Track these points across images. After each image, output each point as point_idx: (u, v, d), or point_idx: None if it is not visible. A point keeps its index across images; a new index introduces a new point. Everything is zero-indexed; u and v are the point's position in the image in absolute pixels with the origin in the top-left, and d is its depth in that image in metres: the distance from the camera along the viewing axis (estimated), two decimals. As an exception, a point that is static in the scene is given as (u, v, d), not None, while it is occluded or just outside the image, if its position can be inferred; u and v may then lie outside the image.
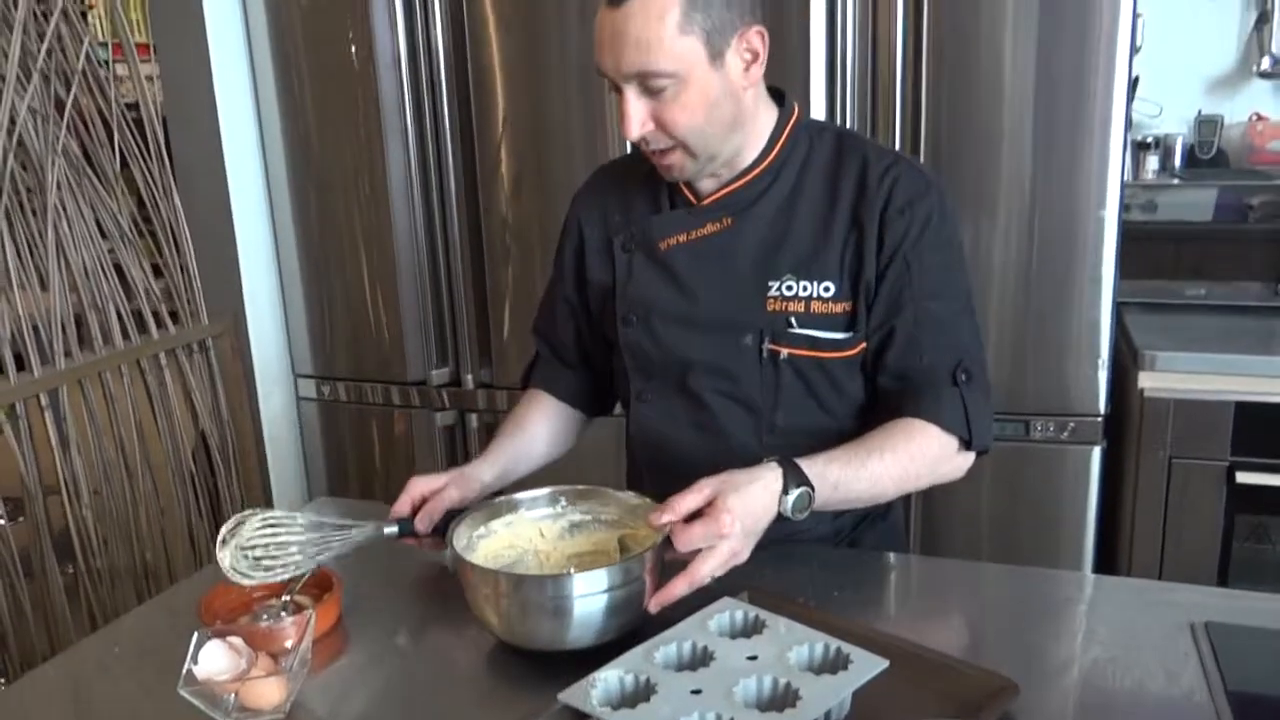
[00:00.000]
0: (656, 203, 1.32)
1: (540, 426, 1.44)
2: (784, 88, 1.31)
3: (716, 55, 1.14)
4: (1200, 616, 1.08)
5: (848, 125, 2.07)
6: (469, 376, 2.51)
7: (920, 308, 1.22)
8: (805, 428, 1.25)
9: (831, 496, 1.13)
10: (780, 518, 1.09)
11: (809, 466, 1.11)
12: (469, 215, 2.43)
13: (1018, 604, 1.17)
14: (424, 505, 1.26)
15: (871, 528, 1.37)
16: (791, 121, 1.27)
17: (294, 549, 1.15)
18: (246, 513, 1.15)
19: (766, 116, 1.26)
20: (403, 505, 1.27)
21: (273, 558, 1.13)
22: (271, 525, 1.15)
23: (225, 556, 1.12)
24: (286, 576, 1.15)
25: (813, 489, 1.10)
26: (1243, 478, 2.01)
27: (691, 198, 1.29)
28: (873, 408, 1.29)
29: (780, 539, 1.20)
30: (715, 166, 1.24)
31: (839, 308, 1.24)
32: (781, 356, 1.24)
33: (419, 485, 1.28)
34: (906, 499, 2.19)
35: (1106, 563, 2.16)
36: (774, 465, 1.10)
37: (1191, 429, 2.04)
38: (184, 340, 2.45)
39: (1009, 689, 0.94)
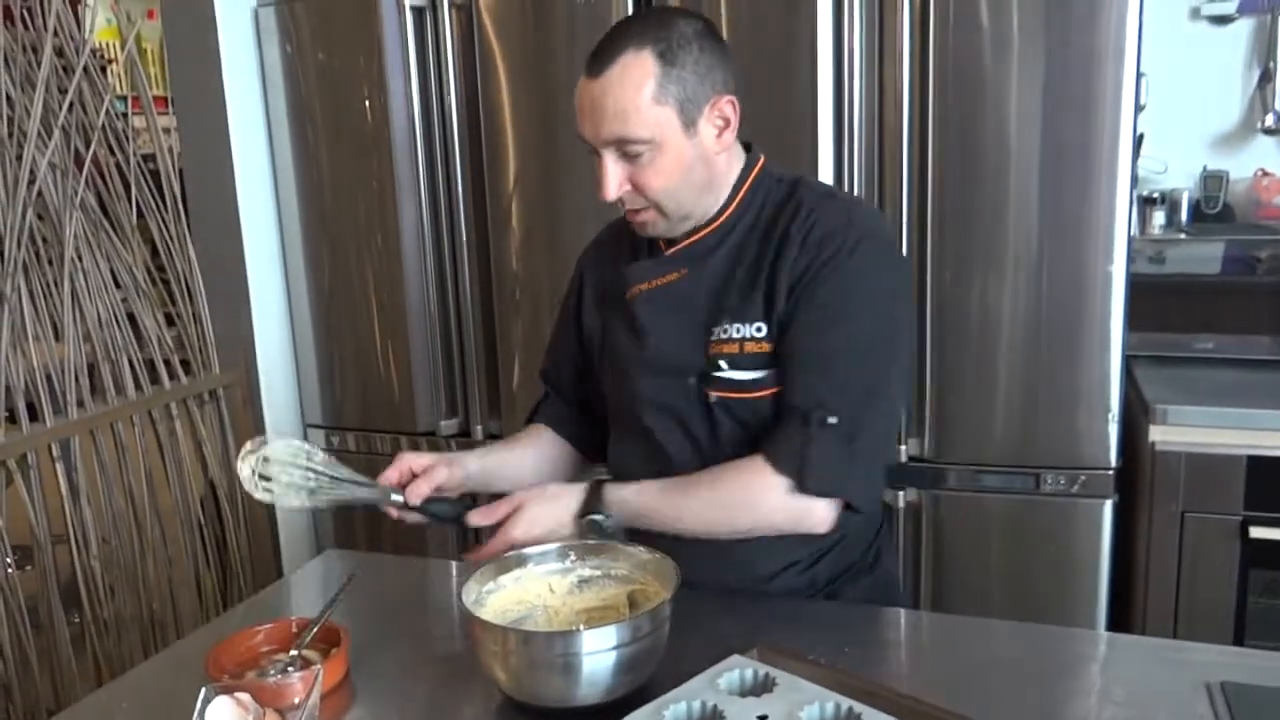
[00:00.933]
0: (635, 254, 1.39)
1: (531, 449, 1.50)
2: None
3: (690, 123, 1.21)
4: (1217, 676, 1.07)
5: (855, 186, 2.10)
6: (478, 427, 2.51)
7: (798, 344, 1.24)
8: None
9: (638, 522, 1.25)
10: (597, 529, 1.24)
11: (616, 491, 1.26)
12: (480, 268, 2.45)
13: (1031, 662, 1.16)
14: (413, 480, 1.32)
15: (854, 582, 1.37)
16: (754, 173, 1.32)
17: (310, 476, 1.23)
18: (271, 435, 1.20)
19: (735, 169, 1.32)
20: (390, 476, 1.33)
21: (289, 476, 1.21)
22: (294, 451, 1.23)
23: (245, 467, 1.19)
24: (296, 504, 1.22)
25: (608, 516, 1.24)
26: (1256, 532, 1.99)
27: (663, 245, 1.36)
28: None
29: (750, 587, 1.32)
30: (688, 225, 1.31)
31: (768, 346, 1.28)
32: (712, 399, 1.29)
33: (408, 460, 1.34)
34: (915, 554, 2.19)
35: (1121, 618, 2.14)
36: (582, 489, 1.27)
37: (1203, 483, 2.03)
38: (195, 390, 2.47)
39: (1023, 751, 0.92)
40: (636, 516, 1.25)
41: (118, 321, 2.31)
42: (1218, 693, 1.04)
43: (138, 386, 2.35)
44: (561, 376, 1.53)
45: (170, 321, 2.48)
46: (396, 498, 1.31)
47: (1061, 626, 1.27)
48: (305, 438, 2.69)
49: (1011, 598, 2.15)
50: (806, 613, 1.28)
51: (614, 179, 1.22)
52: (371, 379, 2.58)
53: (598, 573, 1.22)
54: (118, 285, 2.33)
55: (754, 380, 1.28)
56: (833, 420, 1.21)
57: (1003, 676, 1.14)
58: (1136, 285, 2.05)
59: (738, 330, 1.28)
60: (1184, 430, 2.05)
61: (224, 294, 2.54)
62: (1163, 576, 2.07)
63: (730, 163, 1.30)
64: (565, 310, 1.52)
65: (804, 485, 1.21)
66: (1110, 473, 2.06)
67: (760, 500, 1.24)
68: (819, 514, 1.24)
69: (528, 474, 1.45)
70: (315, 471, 1.24)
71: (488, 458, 1.45)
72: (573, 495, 1.26)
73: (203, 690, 1.01)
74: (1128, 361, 2.09)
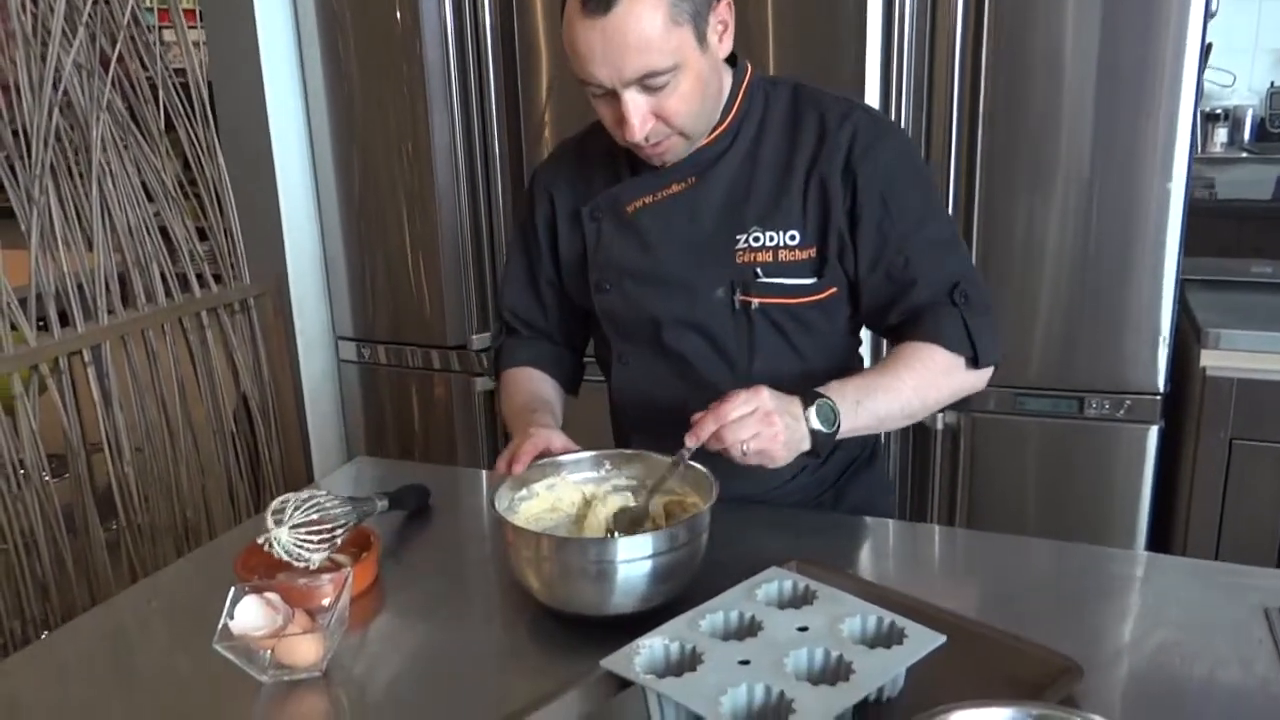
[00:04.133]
0: (616, 172, 1.32)
1: (553, 395, 1.40)
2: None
3: (701, 37, 1.15)
4: (1274, 601, 1.03)
5: (903, 99, 2.01)
6: (510, 342, 2.47)
7: (906, 243, 1.23)
8: (782, 374, 1.24)
9: (858, 415, 1.15)
10: (818, 438, 1.11)
11: (823, 389, 1.14)
12: (512, 179, 2.39)
13: (1077, 582, 1.12)
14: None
15: (855, 477, 1.38)
16: (745, 80, 1.28)
17: (340, 517, 1.12)
18: (280, 500, 1.11)
19: (726, 78, 1.26)
20: (524, 461, 1.18)
21: (325, 530, 1.10)
22: (311, 503, 1.11)
23: (283, 536, 1.07)
24: (341, 542, 1.13)
25: (833, 402, 1.12)
26: (1307, 461, 1.93)
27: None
28: (851, 353, 1.36)
29: (766, 492, 1.30)
30: (700, 142, 1.25)
31: (805, 254, 1.24)
32: (753, 306, 1.25)
33: (542, 441, 1.20)
34: (952, 478, 2.15)
35: (1160, 545, 2.10)
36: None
37: (1254, 409, 1.96)
38: (226, 300, 2.45)
39: (1072, 670, 0.89)
40: (856, 404, 1.15)
41: (148, 230, 2.28)
42: (1276, 616, 1.00)
43: (168, 295, 2.33)
44: (537, 308, 1.44)
45: (202, 236, 2.45)
46: (382, 504, 1.24)
47: (1108, 547, 1.22)
48: (336, 350, 2.67)
49: (1048, 523, 2.11)
50: (843, 527, 1.25)
51: (639, 116, 1.15)
52: (402, 292, 2.55)
53: (633, 482, 1.19)
54: (149, 198, 2.30)
55: (801, 286, 1.25)
56: (970, 296, 1.23)
57: (1047, 596, 1.10)
58: (1192, 207, 1.97)
59: (771, 238, 1.24)
60: (1236, 355, 1.98)
61: (254, 206, 2.50)
62: (1206, 505, 2.02)
63: (725, 68, 1.25)
64: (532, 237, 1.41)
65: (977, 360, 1.23)
66: (1157, 398, 2.00)
67: (954, 381, 1.23)
68: (986, 377, 1.27)
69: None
70: (341, 512, 1.14)
71: (556, 419, 1.32)
72: (791, 398, 1.12)
73: (232, 590, 1.00)
74: (1181, 285, 2.01)
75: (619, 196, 1.30)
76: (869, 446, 1.40)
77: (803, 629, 0.90)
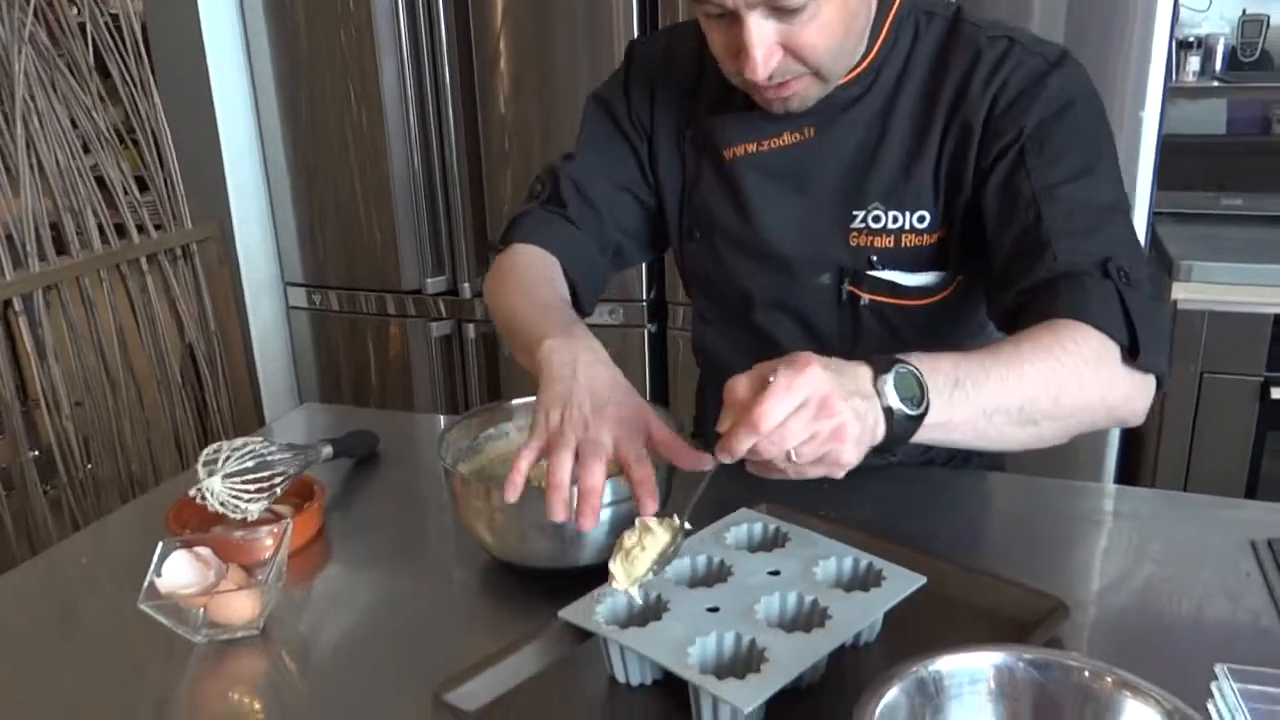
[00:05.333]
0: (725, 95, 1.07)
1: (565, 290, 1.11)
2: None
3: None
4: (1260, 533, 0.99)
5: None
6: (465, 285, 2.40)
7: (1045, 197, 0.95)
8: None
9: (953, 400, 0.79)
10: (896, 423, 0.76)
11: (902, 355, 0.79)
12: (466, 116, 2.29)
13: (1054, 518, 1.07)
14: None
15: (967, 457, 1.18)
16: (895, 7, 1.03)
17: (279, 465, 1.05)
18: (212, 447, 1.02)
19: (873, 2, 1.01)
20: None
21: (263, 479, 1.02)
22: (246, 450, 1.03)
23: (216, 486, 0.98)
24: (282, 492, 1.05)
25: (920, 372, 0.78)
26: (1278, 393, 1.91)
27: None
28: None
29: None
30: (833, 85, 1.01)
31: (933, 238, 1.04)
32: (862, 302, 1.07)
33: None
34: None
35: (1128, 480, 2.07)
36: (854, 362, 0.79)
37: (1225, 342, 1.94)
38: (166, 245, 2.33)
39: (1058, 610, 0.84)
40: (955, 384, 0.80)
41: (80, 174, 2.16)
42: (1264, 549, 0.96)
43: (105, 243, 2.21)
44: (589, 208, 1.15)
45: (143, 187, 2.33)
46: (326, 451, 1.15)
47: (1090, 482, 1.18)
48: (285, 297, 2.58)
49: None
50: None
51: (764, 47, 0.91)
52: (353, 235, 2.45)
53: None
54: (86, 151, 2.17)
55: (919, 287, 1.05)
56: (1135, 276, 0.91)
57: (1024, 533, 1.06)
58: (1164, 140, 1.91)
59: (894, 219, 1.04)
60: (1207, 288, 1.95)
61: (194, 149, 2.38)
62: (1176, 439, 2.00)
63: None
64: (616, 120, 1.15)
65: (1135, 352, 0.87)
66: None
67: (1103, 378, 0.87)
68: (1147, 395, 0.91)
69: None
70: (281, 460, 1.05)
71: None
72: (854, 362, 0.78)
73: (160, 544, 0.93)
74: (1152, 218, 1.97)
75: (715, 133, 1.08)
76: None
77: (774, 573, 0.84)
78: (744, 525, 0.92)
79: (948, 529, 1.06)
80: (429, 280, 2.41)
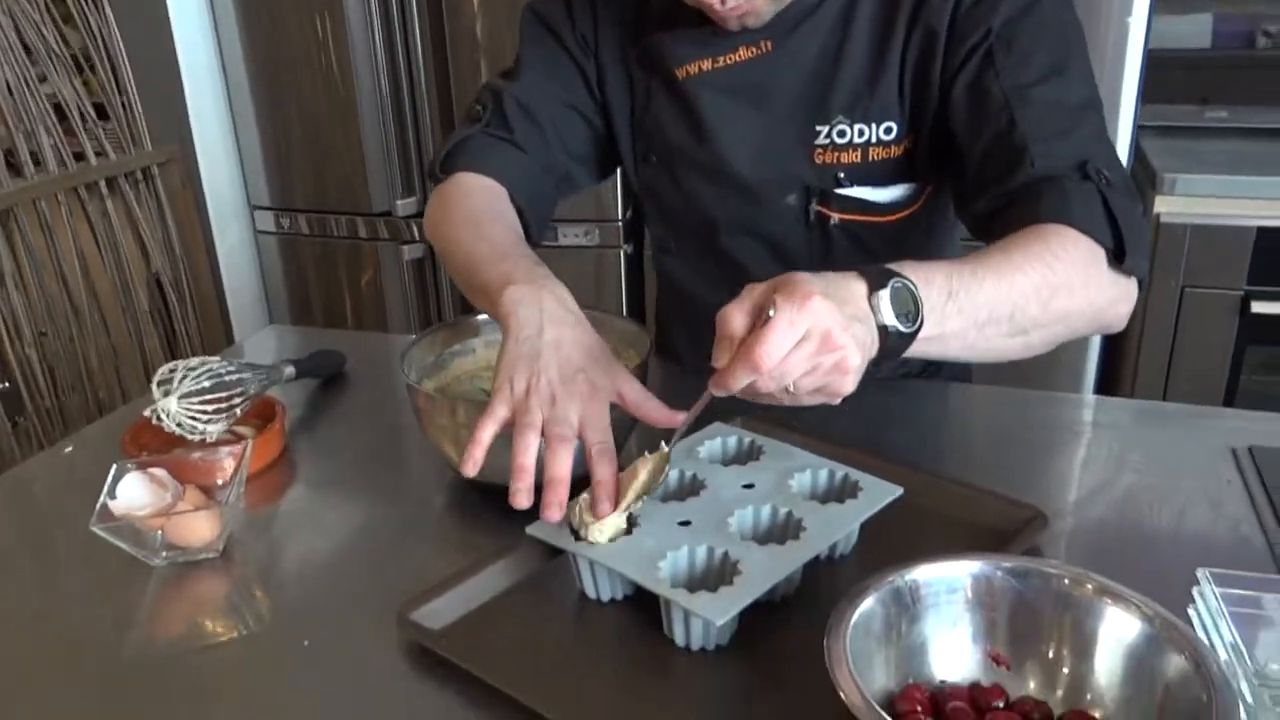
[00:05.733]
0: (675, 10, 1.00)
1: (515, 218, 1.04)
2: None
3: None
4: (1242, 441, 0.97)
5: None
6: (437, 207, 2.33)
7: (1017, 99, 0.91)
8: None
9: (946, 313, 0.75)
10: (889, 341, 0.72)
11: (895, 266, 0.74)
12: (433, 30, 2.21)
13: (1033, 429, 1.05)
14: None
15: (939, 364, 1.16)
16: None
17: (237, 385, 1.01)
18: (167, 367, 0.98)
19: None
20: None
21: (221, 399, 0.99)
22: (203, 370, 0.99)
23: (172, 407, 0.95)
24: (242, 412, 1.01)
25: (914, 285, 0.74)
26: (1258, 307, 1.89)
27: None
28: None
29: None
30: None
31: (900, 149, 1.01)
32: (831, 222, 1.04)
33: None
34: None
35: (1107, 394, 2.06)
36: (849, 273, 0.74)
37: (1208, 256, 1.92)
38: (126, 168, 2.25)
39: (1036, 519, 0.83)
40: (949, 296, 0.75)
41: (31, 93, 2.07)
42: (1245, 456, 0.94)
43: (62, 165, 2.14)
44: (534, 128, 1.08)
45: (101, 115, 2.24)
46: (289, 371, 1.10)
47: (1067, 393, 1.16)
48: (253, 221, 2.51)
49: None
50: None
51: None
52: (321, 156, 2.38)
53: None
54: (38, 76, 2.07)
55: (890, 202, 1.02)
56: (1114, 178, 0.88)
57: (1003, 445, 1.04)
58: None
59: (859, 132, 1.00)
60: (1191, 201, 1.92)
61: (151, 68, 2.28)
62: (1156, 353, 1.99)
63: None
64: (558, 38, 1.09)
65: (1120, 255, 0.85)
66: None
67: (1092, 284, 0.84)
68: (1130, 298, 0.89)
69: None
70: (241, 379, 1.01)
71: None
72: (848, 276, 0.73)
73: (114, 466, 0.89)
74: (1136, 131, 1.93)
75: (665, 51, 1.03)
76: None
77: (748, 486, 0.82)
78: (718, 439, 0.90)
79: (926, 441, 1.05)
80: (399, 202, 2.36)
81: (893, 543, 0.78)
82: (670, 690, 0.70)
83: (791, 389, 0.69)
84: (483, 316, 1.05)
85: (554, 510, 0.75)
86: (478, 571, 0.79)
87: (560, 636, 0.76)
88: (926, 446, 1.03)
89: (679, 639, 0.72)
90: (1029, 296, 0.79)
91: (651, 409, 0.82)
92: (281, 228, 2.48)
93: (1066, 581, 0.66)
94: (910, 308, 0.73)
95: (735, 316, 0.69)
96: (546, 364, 0.78)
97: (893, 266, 0.74)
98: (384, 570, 0.85)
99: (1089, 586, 0.65)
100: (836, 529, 0.77)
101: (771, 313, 0.66)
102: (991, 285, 0.78)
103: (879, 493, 0.81)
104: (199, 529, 0.86)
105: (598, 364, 0.81)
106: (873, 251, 1.04)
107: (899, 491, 0.81)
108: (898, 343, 0.73)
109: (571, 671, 0.71)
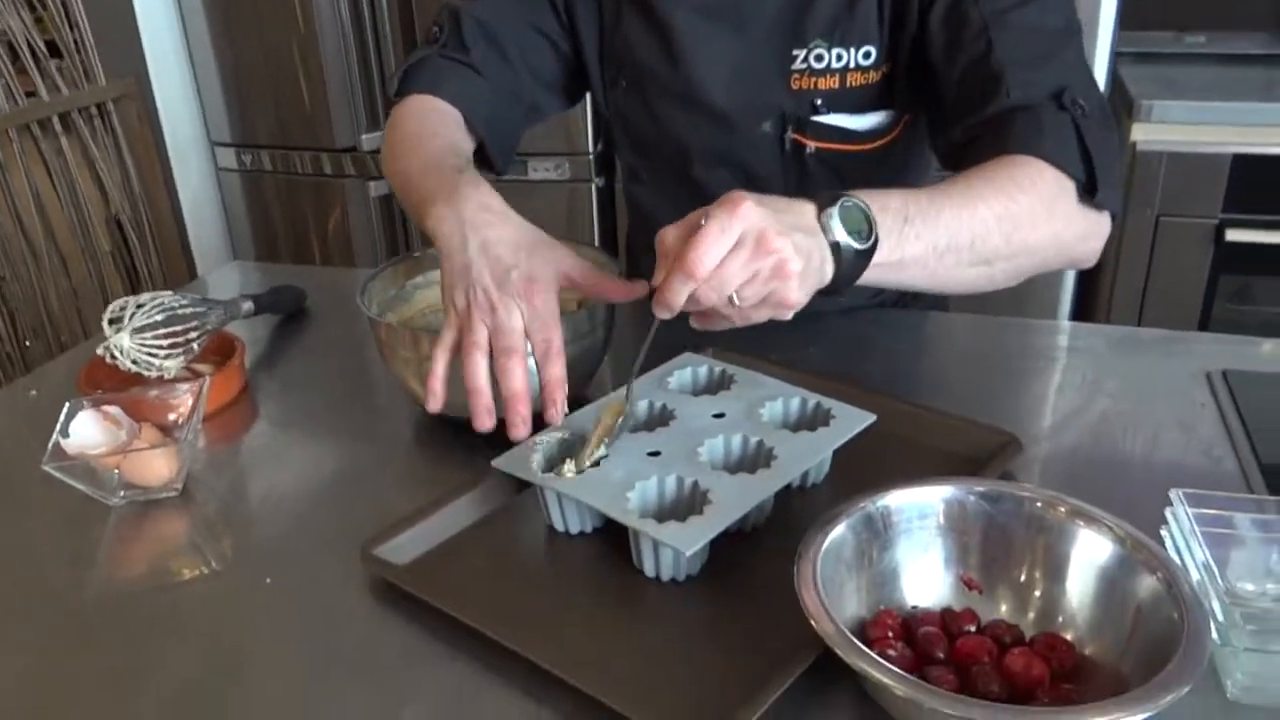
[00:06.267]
0: None
1: (469, 148, 1.01)
2: None
3: None
4: (1216, 364, 0.97)
5: None
6: (404, 142, 2.27)
7: (994, 24, 0.89)
8: None
9: (903, 238, 0.75)
10: (843, 260, 0.71)
11: (855, 193, 0.74)
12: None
13: (1007, 356, 1.04)
14: None
15: (920, 295, 1.14)
16: None
17: (193, 319, 0.98)
18: (118, 303, 0.95)
19: None
20: None
21: (177, 335, 0.95)
22: (155, 304, 0.96)
23: (124, 343, 0.92)
24: (200, 348, 0.99)
25: (866, 205, 0.73)
26: (1233, 235, 1.88)
27: None
28: None
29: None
30: None
31: (879, 75, 0.98)
32: (808, 150, 1.01)
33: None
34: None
35: (1082, 319, 2.07)
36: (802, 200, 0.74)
37: (1183, 184, 1.90)
38: (79, 103, 2.18)
39: (1010, 444, 0.82)
40: (905, 221, 0.75)
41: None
42: (1219, 380, 0.94)
43: (13, 100, 2.07)
44: (501, 36, 1.04)
45: (54, 52, 2.16)
46: (247, 306, 1.08)
47: (1037, 320, 1.14)
48: (214, 158, 2.45)
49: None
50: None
51: None
52: (282, 91, 2.31)
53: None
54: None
55: (867, 130, 1.00)
56: (1090, 107, 0.86)
57: (977, 371, 1.03)
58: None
59: (838, 56, 0.97)
60: (1168, 128, 1.90)
61: (103, 2, 2.20)
62: (1130, 281, 1.98)
63: None
64: None
65: (1092, 187, 0.84)
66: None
67: (1058, 216, 0.83)
68: (1101, 233, 0.88)
69: None
70: (196, 314, 0.98)
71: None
72: (799, 200, 0.72)
73: (67, 404, 0.87)
74: (1114, 58, 1.90)
75: None
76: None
77: (719, 416, 0.81)
78: (688, 369, 0.88)
79: (899, 369, 1.04)
80: (364, 137, 2.30)
81: (865, 471, 0.77)
82: (640, 621, 0.69)
83: (736, 301, 0.67)
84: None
85: (519, 428, 0.74)
86: (443, 506, 0.77)
87: (528, 570, 0.75)
88: (901, 375, 1.02)
89: (648, 570, 0.71)
90: (990, 227, 0.78)
91: (606, 285, 0.80)
92: (244, 165, 2.42)
93: (1039, 504, 0.66)
94: (863, 226, 0.72)
95: (669, 234, 0.68)
96: (479, 273, 0.75)
97: (845, 191, 0.73)
98: (348, 507, 0.84)
99: (1061, 509, 0.65)
100: (808, 457, 0.76)
101: (704, 222, 0.65)
102: (951, 214, 0.77)
103: (851, 420, 0.80)
104: (156, 467, 0.83)
105: (533, 253, 0.77)
106: (850, 183, 1.00)
107: (872, 419, 0.80)
108: (853, 263, 0.72)
109: (539, 605, 0.70)
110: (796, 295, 0.68)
